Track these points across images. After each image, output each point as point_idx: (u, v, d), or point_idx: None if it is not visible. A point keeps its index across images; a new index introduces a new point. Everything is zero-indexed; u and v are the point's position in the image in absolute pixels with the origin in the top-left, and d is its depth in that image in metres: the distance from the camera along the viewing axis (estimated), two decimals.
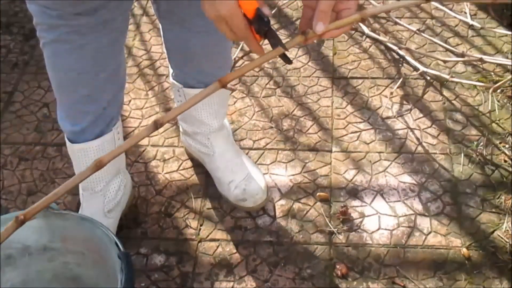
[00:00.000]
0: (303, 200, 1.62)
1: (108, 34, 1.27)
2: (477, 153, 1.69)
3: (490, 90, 1.68)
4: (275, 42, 0.99)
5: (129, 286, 1.02)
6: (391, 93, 1.87)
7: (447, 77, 1.81)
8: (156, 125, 0.86)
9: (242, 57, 2.02)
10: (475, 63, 1.93)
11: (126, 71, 1.45)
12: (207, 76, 1.47)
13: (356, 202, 1.61)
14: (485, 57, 1.78)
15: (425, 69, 1.90)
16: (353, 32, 2.04)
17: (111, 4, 1.23)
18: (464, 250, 1.49)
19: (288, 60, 1.03)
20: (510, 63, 1.83)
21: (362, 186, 1.64)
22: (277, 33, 0.97)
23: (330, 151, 1.73)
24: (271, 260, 1.50)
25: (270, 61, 2.00)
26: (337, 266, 1.47)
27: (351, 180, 1.66)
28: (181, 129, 1.69)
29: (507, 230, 1.52)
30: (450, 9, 2.15)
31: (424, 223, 1.55)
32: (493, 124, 1.77)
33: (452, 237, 1.52)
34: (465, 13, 2.13)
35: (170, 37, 1.45)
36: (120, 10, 1.26)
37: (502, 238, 1.51)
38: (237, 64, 1.99)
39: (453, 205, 1.59)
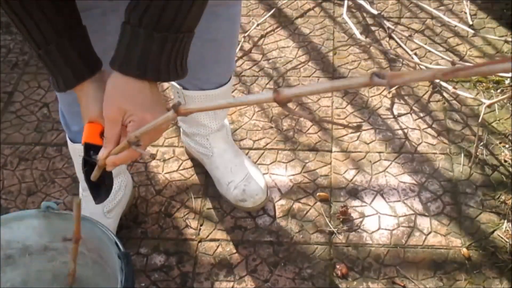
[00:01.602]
0: (303, 200, 1.62)
1: (101, 37, 1.24)
2: (477, 153, 1.69)
3: (484, 106, 1.67)
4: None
5: (129, 286, 1.02)
6: (390, 92, 1.87)
7: (450, 88, 1.81)
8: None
9: (241, 57, 2.02)
10: (474, 62, 1.93)
11: None
12: (204, 84, 1.46)
13: (356, 202, 1.61)
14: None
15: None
16: (353, 33, 2.04)
17: (103, 3, 1.21)
18: (464, 250, 1.49)
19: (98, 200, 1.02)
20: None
21: (362, 186, 1.64)
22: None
23: (330, 151, 1.73)
24: (271, 260, 1.50)
25: (270, 60, 2.01)
26: (337, 266, 1.47)
27: (351, 180, 1.66)
28: (181, 130, 1.69)
29: (507, 230, 1.52)
30: (450, 9, 2.15)
31: (424, 223, 1.55)
32: (493, 124, 1.77)
33: (452, 237, 1.52)
34: (465, 13, 2.13)
35: None
36: (112, 11, 1.24)
37: (502, 238, 1.51)
38: (237, 64, 1.99)
39: (453, 205, 1.59)
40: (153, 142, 0.99)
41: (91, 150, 0.97)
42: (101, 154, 0.95)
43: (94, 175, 1.00)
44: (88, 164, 0.98)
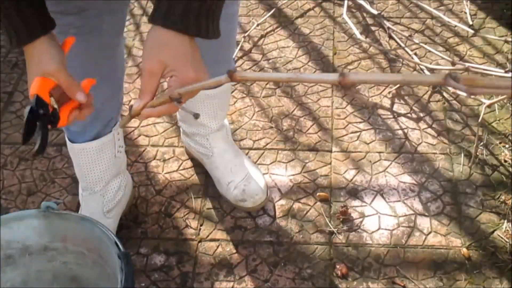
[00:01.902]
0: (303, 200, 1.62)
1: (97, 37, 1.25)
2: (477, 153, 1.69)
3: (484, 106, 1.68)
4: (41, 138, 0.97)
5: (129, 286, 1.02)
6: (390, 92, 1.87)
7: (450, 88, 1.81)
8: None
9: (241, 57, 2.02)
10: (474, 62, 1.93)
11: (124, 72, 1.44)
12: None
13: (356, 202, 1.61)
14: (471, 66, 1.78)
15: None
16: (353, 33, 2.04)
17: (98, 4, 1.21)
18: (464, 250, 1.49)
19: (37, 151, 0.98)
20: (494, 72, 1.82)
21: (362, 186, 1.64)
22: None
23: (330, 151, 1.73)
24: (271, 260, 1.50)
25: (270, 60, 2.01)
26: (337, 266, 1.47)
27: (351, 180, 1.66)
28: (181, 129, 1.69)
29: (507, 230, 1.52)
30: (450, 9, 2.15)
31: (424, 223, 1.55)
32: (493, 124, 1.77)
33: (452, 237, 1.52)
34: (465, 13, 2.13)
35: None
36: (109, 13, 1.24)
37: (502, 238, 1.51)
38: (237, 64, 1.99)
39: (453, 205, 1.59)
40: (191, 98, 1.00)
41: (39, 104, 0.95)
42: (137, 105, 0.95)
43: (123, 123, 1.02)
44: (32, 115, 0.95)
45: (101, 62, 1.32)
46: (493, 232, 1.53)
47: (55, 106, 0.99)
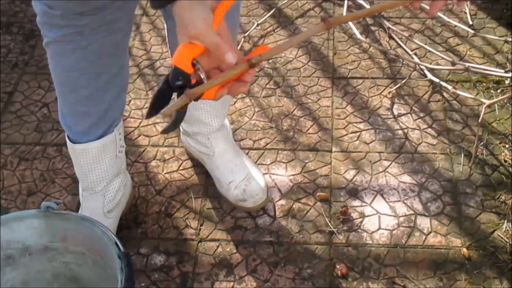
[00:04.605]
0: (303, 200, 1.62)
1: (111, 35, 1.27)
2: (477, 153, 1.69)
3: (484, 106, 1.68)
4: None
5: (129, 286, 1.02)
6: (390, 92, 1.87)
7: (450, 88, 1.81)
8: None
9: None
10: (474, 62, 1.93)
11: (129, 73, 1.45)
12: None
13: (356, 202, 1.61)
14: (471, 66, 1.78)
15: (434, 78, 1.90)
16: (353, 33, 2.04)
17: (115, 4, 1.22)
18: (464, 250, 1.49)
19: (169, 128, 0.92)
20: (494, 72, 1.82)
21: (362, 186, 1.64)
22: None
23: (330, 151, 1.73)
24: (271, 260, 1.50)
25: (270, 61, 2.01)
26: (337, 266, 1.47)
27: (351, 180, 1.66)
28: (181, 129, 1.69)
29: (507, 230, 1.52)
30: (450, 9, 2.15)
31: (424, 223, 1.55)
32: (493, 124, 1.77)
33: (452, 237, 1.52)
34: (465, 13, 2.13)
35: (175, 39, 1.44)
36: (124, 11, 1.26)
37: (502, 238, 1.51)
38: None
39: (453, 205, 1.59)
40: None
41: (176, 74, 0.87)
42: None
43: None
44: (167, 86, 0.88)
45: (111, 61, 1.32)
46: (493, 232, 1.53)
47: (202, 76, 0.89)
